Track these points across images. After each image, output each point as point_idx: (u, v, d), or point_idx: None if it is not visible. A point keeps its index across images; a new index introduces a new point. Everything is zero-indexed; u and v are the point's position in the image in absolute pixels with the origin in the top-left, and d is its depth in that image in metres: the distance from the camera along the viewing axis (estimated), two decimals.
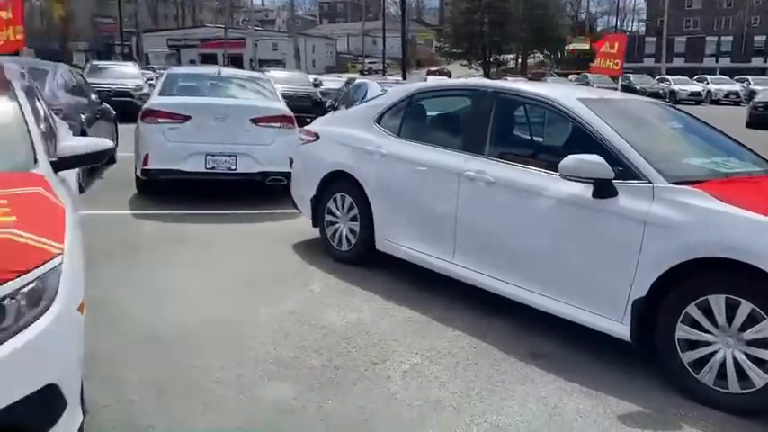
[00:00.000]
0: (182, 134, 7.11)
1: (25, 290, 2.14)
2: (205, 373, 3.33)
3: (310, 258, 5.47)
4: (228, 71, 8.92)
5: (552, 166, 3.78)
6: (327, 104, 10.78)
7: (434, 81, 6.35)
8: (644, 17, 78.66)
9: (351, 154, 5.21)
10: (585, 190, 3.57)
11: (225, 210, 7.11)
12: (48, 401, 2.15)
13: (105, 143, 3.44)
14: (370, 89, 8.82)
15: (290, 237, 6.08)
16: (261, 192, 7.73)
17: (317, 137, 5.67)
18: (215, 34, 70.45)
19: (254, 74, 10.05)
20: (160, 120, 7.14)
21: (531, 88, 4.41)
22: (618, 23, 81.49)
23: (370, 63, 74.29)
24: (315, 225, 5.67)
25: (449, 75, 57.94)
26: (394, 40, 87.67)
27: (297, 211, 6.21)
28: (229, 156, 7.25)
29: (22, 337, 2.08)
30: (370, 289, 4.75)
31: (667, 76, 38.53)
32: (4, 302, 2.08)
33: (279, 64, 68.41)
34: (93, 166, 3.41)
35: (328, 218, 5.46)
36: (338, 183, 5.35)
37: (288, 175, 7.47)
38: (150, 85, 20.03)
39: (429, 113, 5.20)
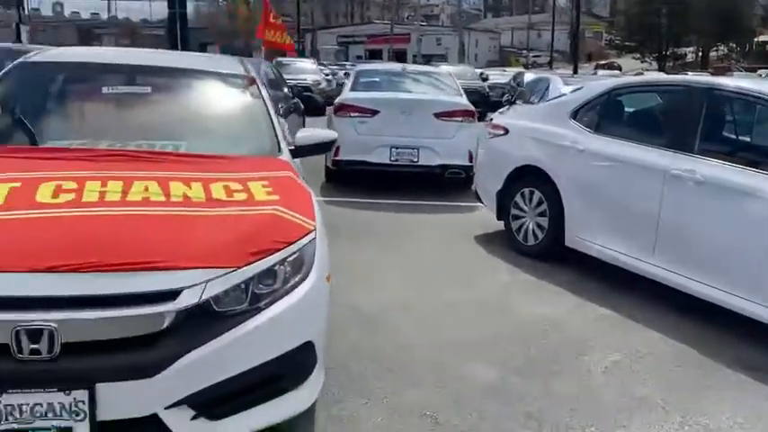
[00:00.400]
0: (370, 127, 7.51)
1: (290, 259, 2.45)
2: (407, 350, 3.55)
3: (494, 250, 5.58)
4: (412, 68, 9.24)
5: None
6: (504, 99, 10.77)
7: (635, 77, 6.12)
8: None
9: (543, 149, 5.24)
10: None
11: (407, 200, 7.42)
12: (304, 357, 2.45)
13: (332, 134, 3.78)
14: (553, 84, 8.72)
15: (471, 228, 6.22)
16: (439, 184, 7.96)
17: (506, 131, 5.75)
18: (381, 30, 72.43)
19: (436, 69, 10.32)
20: (352, 114, 7.59)
21: (750, 85, 4.17)
22: None
23: (534, 57, 72.68)
24: (499, 218, 5.76)
25: (619, 68, 55.06)
26: (560, 32, 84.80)
27: (477, 204, 6.35)
28: (412, 149, 7.54)
29: (288, 299, 2.39)
30: (558, 284, 4.76)
31: None
32: (275, 268, 2.39)
33: (442, 58, 68.91)
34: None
35: (514, 212, 5.53)
36: (527, 177, 5.39)
37: (467, 169, 7.65)
38: (327, 81, 21.10)
39: (629, 109, 5.09)
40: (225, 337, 2.21)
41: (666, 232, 4.17)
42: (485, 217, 6.44)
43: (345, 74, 30.61)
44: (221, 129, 3.59)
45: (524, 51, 76.71)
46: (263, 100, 3.77)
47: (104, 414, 2.05)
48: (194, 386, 2.16)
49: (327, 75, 22.64)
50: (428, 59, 60.66)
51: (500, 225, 5.84)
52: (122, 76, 3.70)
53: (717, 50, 65.01)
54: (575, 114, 5.12)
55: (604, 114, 4.93)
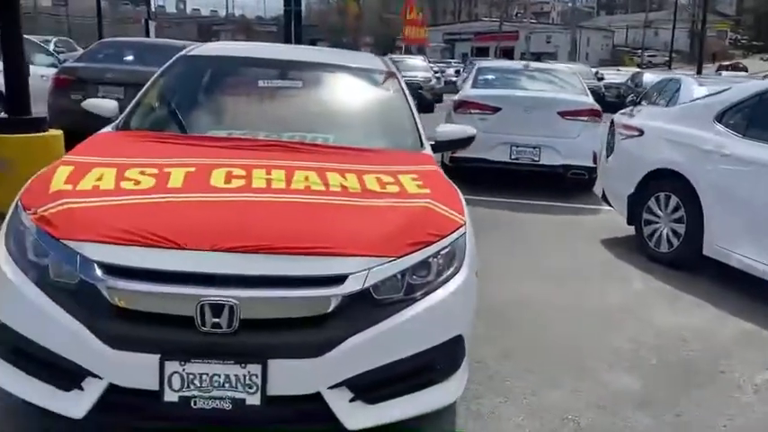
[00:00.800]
0: (491, 125, 7.44)
1: (443, 252, 2.48)
2: (543, 351, 3.50)
3: (622, 255, 5.39)
4: (534, 65, 9.09)
5: None
6: (628, 99, 10.37)
7: None
8: None
9: (682, 152, 5.01)
10: None
11: (525, 200, 7.31)
12: (454, 350, 2.47)
13: (471, 130, 3.79)
14: (685, 85, 8.30)
15: (596, 231, 6.05)
16: (557, 185, 7.78)
17: (640, 132, 5.54)
18: (489, 28, 71.54)
19: (560, 67, 10.09)
20: (472, 111, 7.56)
21: None
22: None
23: (649, 56, 69.48)
24: (629, 223, 5.56)
25: (745, 70, 51.70)
26: (679, 31, 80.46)
27: (600, 206, 6.16)
28: (534, 147, 7.42)
29: (441, 291, 2.42)
30: (696, 293, 4.54)
31: None
32: (429, 260, 2.43)
33: (551, 57, 67.25)
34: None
35: (647, 216, 5.31)
36: (663, 181, 5.17)
37: (590, 170, 7.44)
38: (436, 78, 20.99)
39: None
40: (384, 324, 2.26)
41: None
42: (610, 220, 6.24)
43: (456, 72, 30.32)
44: (367, 123, 3.68)
45: (639, 50, 73.50)
46: (405, 95, 3.83)
47: (274, 389, 2.16)
48: (355, 369, 2.23)
49: (436, 72, 22.61)
50: (537, 57, 59.29)
51: (628, 230, 5.64)
52: (274, 71, 3.87)
53: None
54: (720, 117, 4.85)
55: (757, 118, 4.64)
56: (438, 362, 2.43)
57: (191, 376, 2.13)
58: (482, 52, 70.53)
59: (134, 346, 2.14)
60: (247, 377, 2.14)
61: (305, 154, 3.06)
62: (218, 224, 2.34)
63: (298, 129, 3.46)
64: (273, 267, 2.21)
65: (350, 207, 2.56)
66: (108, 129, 3.36)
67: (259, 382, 2.14)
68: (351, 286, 2.23)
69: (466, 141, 3.75)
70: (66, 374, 2.24)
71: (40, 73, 9.63)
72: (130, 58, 8.61)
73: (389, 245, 2.37)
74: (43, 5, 72.20)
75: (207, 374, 2.14)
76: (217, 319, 2.13)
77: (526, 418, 2.86)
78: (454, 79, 26.16)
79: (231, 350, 2.15)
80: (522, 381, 3.16)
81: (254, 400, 2.15)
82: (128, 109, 3.50)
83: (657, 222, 5.22)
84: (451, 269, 2.49)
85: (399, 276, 2.34)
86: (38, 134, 5.55)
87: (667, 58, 72.39)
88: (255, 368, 2.14)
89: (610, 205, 5.93)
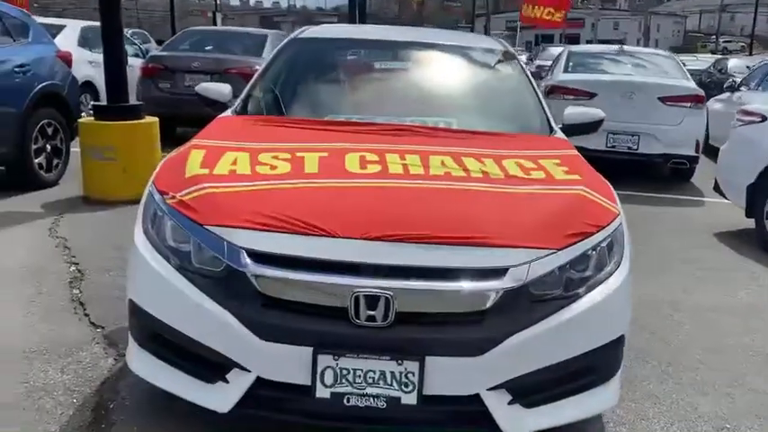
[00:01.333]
0: None
1: (603, 244, 2.27)
2: (684, 354, 3.24)
3: (742, 249, 5.03)
4: (631, 49, 8.67)
5: None
6: (726, 85, 9.81)
7: None
8: None
9: None
10: None
11: (627, 191, 6.96)
12: (616, 351, 2.26)
13: (600, 113, 3.55)
14: None
15: (708, 225, 5.69)
16: (654, 174, 7.41)
17: (763, 118, 5.14)
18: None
19: (658, 51, 9.62)
20: (566, 96, 7.23)
21: None
22: None
23: (724, 42, 66.49)
24: (749, 215, 5.18)
25: None
26: (761, 14, 76.67)
27: (702, 197, 5.79)
28: (632, 135, 7.06)
29: (603, 288, 2.20)
30: None
31: None
32: (589, 253, 2.22)
33: (619, 43, 65.03)
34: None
35: None
36: None
37: (692, 159, 7.03)
38: None
39: None
40: (545, 322, 2.07)
41: None
42: (718, 212, 5.87)
43: (528, 59, 29.39)
44: (491, 106, 3.48)
45: (712, 36, 70.37)
46: (527, 76, 3.62)
47: (431, 388, 2.00)
48: (515, 370, 2.06)
49: None
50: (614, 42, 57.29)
51: (742, 222, 5.27)
52: (390, 52, 3.71)
53: None
54: None
55: None
56: (599, 364, 2.23)
57: (344, 371, 2.00)
58: (546, 39, 69.00)
59: (285, 337, 2.01)
60: (404, 374, 1.99)
61: (433, 138, 2.90)
62: (366, 211, 2.19)
63: (418, 113, 3.30)
64: (430, 258, 2.05)
65: (498, 194, 2.38)
66: (228, 113, 3.26)
67: (416, 380, 1.99)
68: (512, 280, 2.05)
69: (596, 125, 3.52)
70: (211, 366, 2.14)
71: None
72: (214, 46, 8.65)
73: (548, 235, 2.17)
74: None
75: (361, 370, 2.00)
76: (372, 312, 1.99)
77: (678, 427, 2.62)
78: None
79: (387, 345, 2.00)
80: (664, 385, 2.92)
81: (409, 399, 2.00)
82: (244, 93, 3.41)
83: None
84: (612, 263, 2.28)
85: (558, 271, 2.14)
86: (137, 121, 5.59)
87: (743, 44, 69.18)
88: (413, 365, 1.99)
89: (723, 196, 5.55)
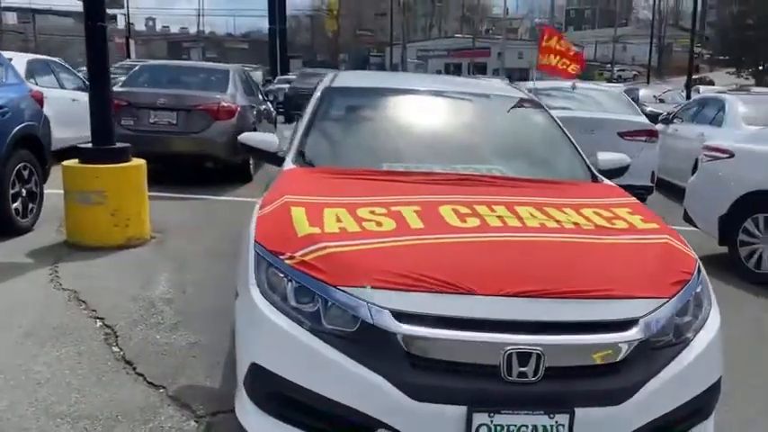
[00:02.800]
0: None
1: (698, 290, 2.45)
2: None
3: (720, 276, 5.43)
4: (582, 85, 9.17)
5: None
6: (660, 118, 10.51)
7: None
8: None
9: None
10: None
11: None
12: (717, 390, 2.43)
13: (627, 158, 3.79)
14: (729, 105, 8.46)
15: None
16: None
17: (731, 155, 5.62)
18: (461, 44, 72.44)
19: (607, 87, 10.21)
20: None
21: None
22: None
23: (619, 71, 71.06)
24: (722, 244, 5.62)
25: (712, 84, 53.13)
26: (646, 46, 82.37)
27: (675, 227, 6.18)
28: None
29: (705, 333, 2.37)
30: None
31: None
32: (689, 299, 2.39)
33: (524, 72, 68.22)
34: None
35: (743, 237, 5.38)
36: (761, 203, 5.24)
37: (649, 189, 7.51)
38: None
39: None
40: (669, 369, 2.21)
41: None
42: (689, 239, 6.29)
43: None
44: (532, 153, 3.65)
45: (608, 65, 75.10)
46: (558, 124, 3.83)
47: None
48: (648, 416, 2.18)
49: None
50: (509, 74, 60.11)
51: (717, 249, 5.71)
52: (430, 101, 3.83)
53: None
54: None
55: None
56: (705, 403, 2.39)
57: (498, 428, 2.06)
58: (456, 68, 71.37)
59: (439, 397, 2.05)
60: (554, 427, 2.07)
61: (502, 188, 3.02)
62: (495, 267, 2.27)
63: (466, 160, 3.42)
64: (571, 312, 2.16)
65: (599, 245, 2.52)
66: (290, 165, 3.24)
67: (565, 430, 2.08)
68: (643, 329, 2.19)
69: (624, 170, 3.76)
70: (351, 428, 2.15)
71: (70, 97, 9.44)
72: (176, 82, 8.48)
73: (659, 285, 2.33)
74: (9, 23, 70.95)
75: (515, 426, 2.06)
76: (523, 368, 2.07)
77: None
78: None
79: (539, 400, 2.08)
80: None
81: None
82: (295, 144, 3.40)
83: (756, 243, 5.28)
84: (706, 307, 2.46)
85: (670, 319, 2.30)
86: (126, 164, 5.41)
87: (635, 72, 74.21)
88: (563, 418, 2.07)
89: (694, 225, 5.98)
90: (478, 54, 70.98)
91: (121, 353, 3.39)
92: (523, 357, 2.06)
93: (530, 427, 2.07)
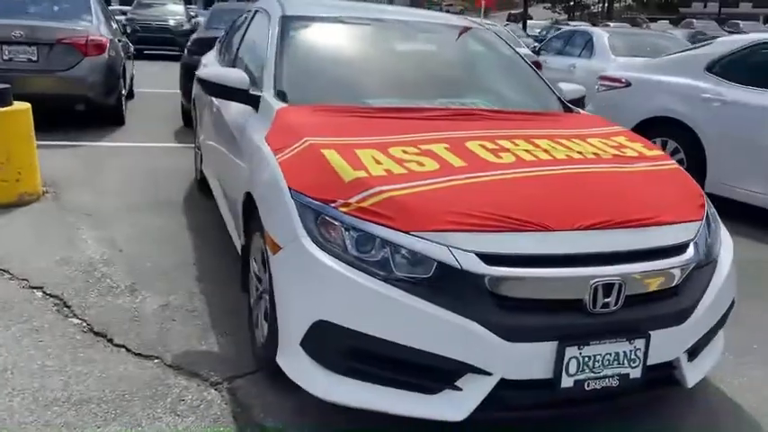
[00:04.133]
0: None
1: (713, 211, 2.63)
2: None
3: None
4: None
5: None
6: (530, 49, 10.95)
7: None
8: None
9: (679, 101, 5.55)
10: None
11: None
12: (732, 305, 2.61)
13: (583, 89, 3.89)
14: (597, 37, 9.02)
15: None
16: None
17: (627, 84, 6.01)
18: None
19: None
20: None
21: None
22: None
23: (447, 5, 73.07)
24: None
25: (530, 18, 56.48)
26: None
27: None
28: None
29: (726, 252, 2.54)
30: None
31: None
32: (710, 221, 2.55)
33: None
34: None
35: None
36: (657, 128, 5.69)
37: None
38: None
39: None
40: (712, 286, 2.36)
41: None
42: None
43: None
44: (506, 84, 3.62)
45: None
46: (520, 55, 3.83)
47: (651, 359, 2.18)
48: (700, 332, 2.33)
49: (194, 16, 21.41)
50: None
51: None
52: (395, 33, 3.64)
53: (620, 2, 67.97)
54: (711, 67, 5.45)
55: (750, 67, 5.26)
56: (727, 314, 2.58)
57: (586, 359, 2.09)
58: None
59: (531, 335, 2.03)
60: (633, 352, 2.14)
61: (506, 121, 3.00)
62: (560, 202, 2.25)
63: (446, 95, 3.34)
64: (638, 240, 2.21)
65: (628, 174, 2.59)
66: (278, 103, 2.93)
67: (641, 355, 2.15)
68: (694, 252, 2.31)
69: (583, 100, 3.86)
70: (436, 375, 2.07)
71: None
72: (29, 11, 7.33)
73: (692, 208, 2.47)
74: None
75: (600, 355, 2.10)
76: (607, 299, 2.09)
77: None
78: None
79: (621, 327, 2.13)
80: None
81: (635, 373, 2.16)
82: (269, 80, 3.08)
83: None
84: (719, 229, 2.64)
85: (702, 239, 2.44)
86: (7, 108, 4.65)
87: (461, 7, 76.67)
88: (640, 342, 2.14)
89: None
90: None
91: (86, 324, 2.97)
92: (607, 288, 2.09)
93: (612, 354, 2.12)
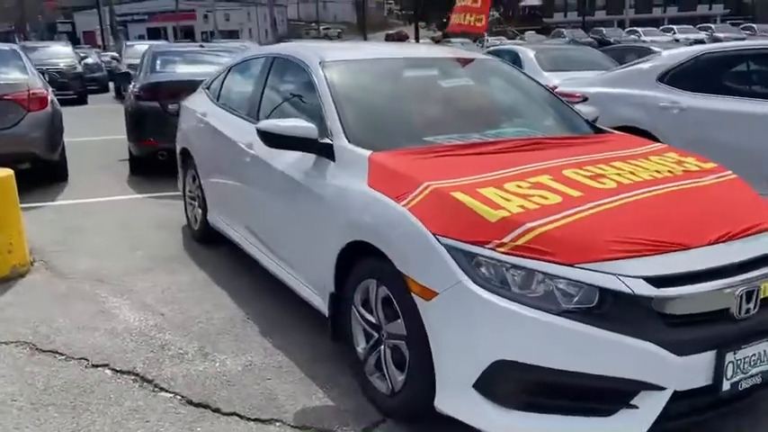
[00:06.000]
0: None
1: None
2: None
3: None
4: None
5: None
6: None
7: (724, 44, 6.83)
8: None
9: (638, 110, 6.00)
10: None
11: None
12: None
13: (597, 112, 4.15)
14: (523, 54, 9.53)
15: None
16: None
17: (584, 98, 6.42)
18: (163, 6, 68.34)
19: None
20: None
21: None
22: None
23: (324, 29, 73.98)
24: None
25: (406, 37, 58.30)
26: (345, 4, 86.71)
27: None
28: None
29: None
30: None
31: (637, 28, 40.22)
32: None
33: (233, 34, 67.27)
34: None
35: None
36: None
37: None
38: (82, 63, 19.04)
39: (719, 70, 5.98)
40: None
41: None
42: None
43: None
44: (542, 110, 3.80)
45: (313, 24, 77.70)
46: (537, 81, 4.05)
47: None
48: None
49: (85, 57, 20.70)
50: (229, 35, 58.84)
51: None
52: (429, 71, 3.74)
53: (492, 16, 71.52)
54: (662, 78, 5.95)
55: (696, 75, 5.79)
56: None
57: (739, 362, 2.27)
58: (158, 33, 67.48)
59: (695, 347, 2.19)
60: None
61: (568, 148, 3.15)
62: (685, 220, 2.44)
63: (492, 125, 3.48)
64: (758, 248, 2.43)
65: (707, 187, 2.82)
66: (364, 151, 2.92)
67: None
68: None
69: (596, 122, 4.11)
70: (612, 397, 2.18)
71: None
72: None
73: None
74: None
75: (748, 356, 2.29)
76: (748, 305, 2.29)
77: None
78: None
79: (761, 329, 2.32)
80: None
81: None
82: (336, 128, 3.08)
83: None
84: None
85: None
86: None
87: (339, 30, 77.85)
88: None
89: None
90: (183, 17, 67.77)
91: (181, 397, 2.83)
92: (749, 295, 2.28)
93: (758, 355, 2.31)
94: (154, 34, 66.12)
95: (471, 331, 2.22)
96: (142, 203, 6.32)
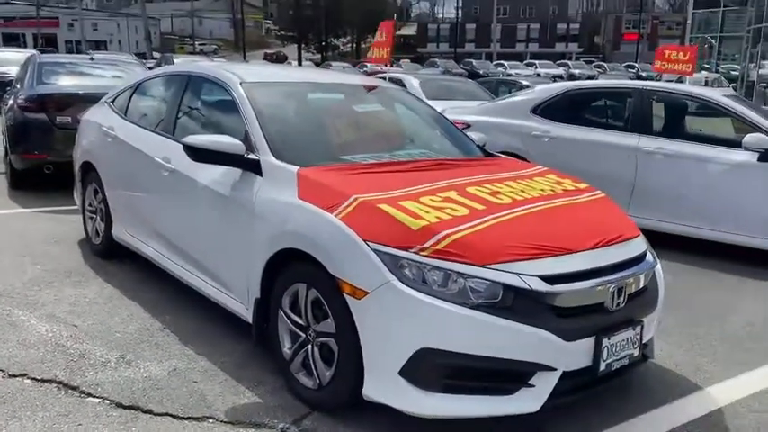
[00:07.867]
0: None
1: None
2: None
3: None
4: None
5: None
6: None
7: (587, 81, 7.64)
8: (461, 4, 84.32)
9: (515, 138, 6.68)
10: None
11: None
12: None
13: (485, 138, 4.65)
14: (408, 82, 10.10)
15: None
16: None
17: (467, 125, 7.02)
18: (23, 12, 64.01)
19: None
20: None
21: (688, 89, 6.21)
22: (432, 9, 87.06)
23: (200, 45, 72.35)
24: None
25: (285, 58, 58.54)
26: (222, 21, 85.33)
27: None
28: None
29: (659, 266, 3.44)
30: None
31: (503, 62, 43.01)
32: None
33: (100, 45, 64.24)
34: None
35: None
36: None
37: None
38: None
39: (584, 104, 6.77)
40: (659, 281, 3.19)
41: (642, 191, 5.99)
42: None
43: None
44: (440, 134, 4.23)
45: (187, 38, 75.77)
46: (431, 106, 4.50)
47: (643, 340, 2.94)
48: (659, 317, 3.14)
49: None
50: (96, 46, 56.06)
51: None
52: (338, 95, 4.06)
53: (367, 42, 73.16)
54: (535, 110, 6.68)
55: (564, 108, 6.56)
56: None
57: (612, 346, 2.76)
58: (16, 39, 63.09)
59: (579, 334, 2.65)
60: (636, 336, 2.87)
61: (465, 168, 3.58)
62: (569, 229, 2.92)
63: (399, 147, 3.87)
64: (624, 252, 2.96)
65: (582, 204, 3.34)
66: (291, 166, 3.17)
67: (638, 338, 2.89)
68: (651, 257, 3.13)
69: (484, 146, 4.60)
70: (513, 378, 2.60)
71: None
72: None
73: (632, 226, 3.30)
74: None
75: (618, 342, 2.79)
76: (618, 299, 2.79)
77: None
78: None
79: (628, 319, 2.84)
80: None
81: (636, 351, 2.89)
82: (261, 144, 3.31)
83: None
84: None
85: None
86: None
87: (215, 46, 76.48)
88: (638, 328, 2.88)
89: None
90: (45, 23, 63.83)
91: (110, 401, 2.91)
92: (619, 291, 2.79)
93: (625, 340, 2.82)
94: (10, 40, 61.71)
95: (398, 324, 2.54)
96: (31, 218, 6.11)
